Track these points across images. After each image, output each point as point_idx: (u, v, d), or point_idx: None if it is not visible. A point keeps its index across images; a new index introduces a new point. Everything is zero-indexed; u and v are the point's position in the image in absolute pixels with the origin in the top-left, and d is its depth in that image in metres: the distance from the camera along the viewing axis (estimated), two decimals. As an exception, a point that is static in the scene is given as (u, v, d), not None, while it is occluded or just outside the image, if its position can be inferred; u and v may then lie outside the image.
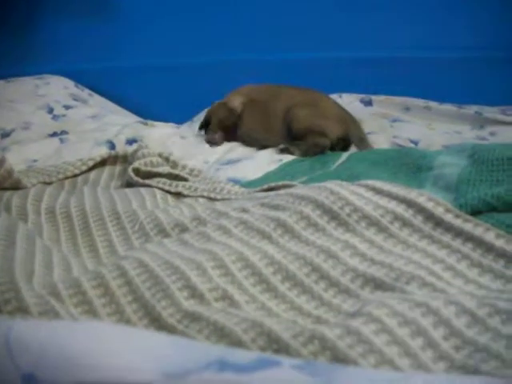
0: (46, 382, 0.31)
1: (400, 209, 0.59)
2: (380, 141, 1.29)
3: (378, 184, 0.62)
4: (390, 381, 0.28)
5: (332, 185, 0.63)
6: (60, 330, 0.32)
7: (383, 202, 0.59)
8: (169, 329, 0.48)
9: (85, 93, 1.58)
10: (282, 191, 0.70)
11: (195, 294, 0.51)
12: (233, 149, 1.22)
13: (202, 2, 1.74)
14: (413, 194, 0.59)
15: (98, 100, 1.59)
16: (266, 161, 1.09)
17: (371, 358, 0.38)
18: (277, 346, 0.40)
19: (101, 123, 1.31)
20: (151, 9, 1.74)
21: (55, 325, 0.33)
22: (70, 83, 1.60)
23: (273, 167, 1.04)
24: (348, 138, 1.20)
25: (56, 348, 0.31)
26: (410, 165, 0.91)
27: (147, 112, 1.60)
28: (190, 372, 0.29)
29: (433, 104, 1.62)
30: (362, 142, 1.21)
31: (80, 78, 1.63)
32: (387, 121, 1.52)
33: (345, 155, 1.08)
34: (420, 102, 1.62)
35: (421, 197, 0.59)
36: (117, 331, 0.32)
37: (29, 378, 0.31)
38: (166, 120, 1.47)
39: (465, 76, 1.76)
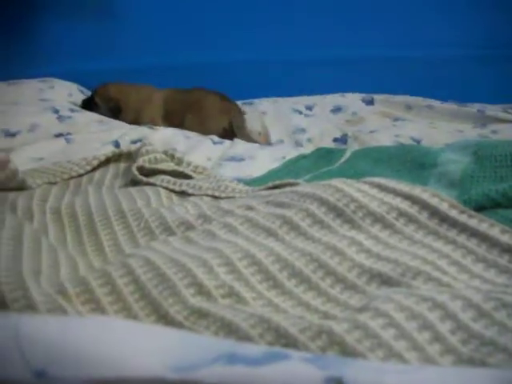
0: (57, 377, 0.31)
1: (405, 205, 0.59)
2: (382, 139, 1.30)
3: (383, 181, 0.62)
4: (399, 372, 0.28)
5: (337, 182, 0.63)
6: (70, 324, 0.33)
7: (388, 198, 0.60)
8: (176, 325, 0.48)
9: (88, 97, 1.59)
10: (286, 189, 0.70)
11: (202, 290, 0.51)
12: (234, 144, 1.23)
13: (204, 3, 1.75)
14: (417, 191, 0.60)
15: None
16: (269, 158, 1.09)
17: (379, 351, 0.38)
18: (285, 340, 0.41)
19: (107, 126, 1.32)
20: (154, 9, 1.74)
21: (65, 320, 0.33)
22: (73, 87, 1.60)
23: (276, 165, 1.04)
24: (231, 126, 1.38)
25: (66, 343, 0.31)
26: (413, 162, 0.91)
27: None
28: (200, 365, 0.29)
29: (435, 103, 1.62)
30: (240, 129, 1.40)
31: (83, 80, 1.63)
32: (389, 120, 1.53)
33: (348, 152, 1.08)
34: (422, 101, 1.63)
35: (425, 193, 0.59)
36: (126, 326, 0.32)
37: (40, 374, 0.31)
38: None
39: (466, 74, 1.76)
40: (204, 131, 1.36)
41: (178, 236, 0.65)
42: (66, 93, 1.54)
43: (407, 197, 0.60)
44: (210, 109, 1.43)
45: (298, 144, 1.40)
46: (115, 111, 1.48)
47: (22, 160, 1.10)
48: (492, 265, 0.52)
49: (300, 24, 1.75)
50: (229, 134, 1.36)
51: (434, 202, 0.58)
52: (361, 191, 0.61)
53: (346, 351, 0.38)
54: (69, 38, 1.75)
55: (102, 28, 1.73)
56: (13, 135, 1.28)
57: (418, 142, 1.38)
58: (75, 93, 1.57)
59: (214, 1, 1.74)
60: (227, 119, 1.41)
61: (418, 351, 0.39)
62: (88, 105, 1.51)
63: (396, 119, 1.55)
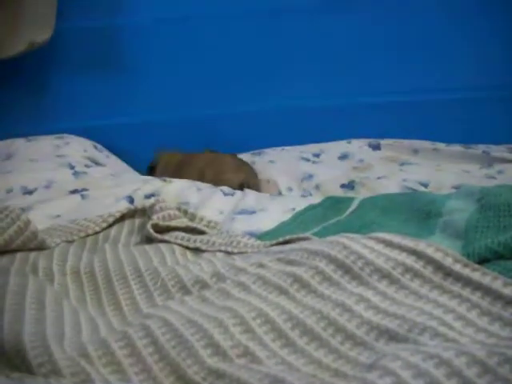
0: None
1: (410, 260, 0.61)
2: (390, 185, 1.32)
3: (388, 236, 0.65)
4: None
5: (344, 239, 0.66)
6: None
7: (394, 254, 0.62)
8: (195, 386, 0.50)
9: (103, 154, 1.64)
10: (296, 245, 0.73)
11: (218, 351, 0.53)
12: (245, 196, 1.26)
13: (212, 57, 1.81)
14: (421, 246, 0.62)
15: (115, 162, 1.65)
16: (279, 210, 1.12)
17: (388, 411, 0.40)
18: (298, 401, 0.43)
19: (120, 180, 1.36)
20: (165, 65, 1.81)
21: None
22: (88, 143, 1.65)
23: (286, 216, 1.07)
24: (246, 182, 1.45)
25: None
26: (419, 211, 0.93)
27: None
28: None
29: (440, 145, 1.65)
30: (254, 187, 1.46)
31: (97, 135, 1.69)
32: (396, 164, 1.55)
33: (356, 202, 1.11)
34: (428, 144, 1.66)
35: (429, 248, 0.62)
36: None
37: None
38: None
39: (471, 116, 1.79)
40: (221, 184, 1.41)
41: (194, 295, 0.68)
42: (82, 149, 1.59)
43: (412, 252, 0.62)
44: (227, 167, 1.50)
45: (307, 191, 1.43)
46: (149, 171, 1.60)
47: (40, 218, 1.14)
48: (496, 318, 0.54)
49: (304, 73, 1.80)
50: (241, 188, 1.41)
51: (438, 256, 0.61)
52: (367, 247, 0.64)
53: (356, 411, 0.40)
54: (82, 94, 1.81)
55: (115, 84, 1.80)
56: (30, 192, 1.32)
57: (426, 185, 1.40)
58: (89, 149, 1.62)
59: (222, 54, 1.80)
60: (242, 176, 1.47)
61: (426, 409, 0.41)
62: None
63: (403, 163, 1.58)
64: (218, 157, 1.53)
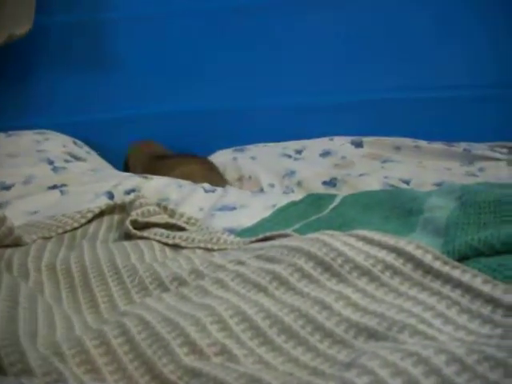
0: None
1: (390, 258, 0.61)
2: (372, 182, 1.32)
3: (369, 234, 0.64)
4: None
5: (324, 236, 0.65)
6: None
7: (374, 251, 0.62)
8: (170, 385, 0.49)
9: (83, 150, 1.62)
10: (276, 242, 0.72)
11: (195, 349, 0.52)
12: (226, 192, 1.25)
13: (194, 53, 1.80)
14: (402, 243, 0.62)
15: (95, 157, 1.63)
16: (259, 207, 1.11)
17: (365, 410, 0.40)
18: (275, 401, 0.42)
19: (100, 176, 1.34)
20: (145, 60, 1.79)
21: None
22: (67, 139, 1.63)
23: (267, 213, 1.06)
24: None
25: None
26: (400, 208, 0.93)
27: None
28: None
29: (422, 143, 1.65)
30: None
31: (77, 131, 1.66)
32: (378, 161, 1.56)
33: (338, 199, 1.10)
34: (409, 142, 1.66)
35: (409, 245, 0.61)
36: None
37: None
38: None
39: (453, 114, 1.80)
40: None
41: (172, 292, 0.67)
42: (61, 144, 1.57)
43: (392, 249, 0.61)
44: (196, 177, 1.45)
45: (289, 188, 1.43)
46: (125, 168, 1.60)
47: (17, 214, 1.12)
48: (476, 315, 0.54)
49: (287, 71, 1.80)
50: None
51: (419, 254, 0.60)
52: (347, 245, 0.63)
53: (334, 411, 0.40)
54: (63, 89, 1.79)
55: (95, 80, 1.78)
56: (8, 188, 1.30)
57: (408, 182, 1.40)
58: (69, 144, 1.60)
59: (205, 51, 1.79)
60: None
61: (403, 408, 0.41)
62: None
63: (385, 161, 1.58)
64: (186, 170, 1.50)
